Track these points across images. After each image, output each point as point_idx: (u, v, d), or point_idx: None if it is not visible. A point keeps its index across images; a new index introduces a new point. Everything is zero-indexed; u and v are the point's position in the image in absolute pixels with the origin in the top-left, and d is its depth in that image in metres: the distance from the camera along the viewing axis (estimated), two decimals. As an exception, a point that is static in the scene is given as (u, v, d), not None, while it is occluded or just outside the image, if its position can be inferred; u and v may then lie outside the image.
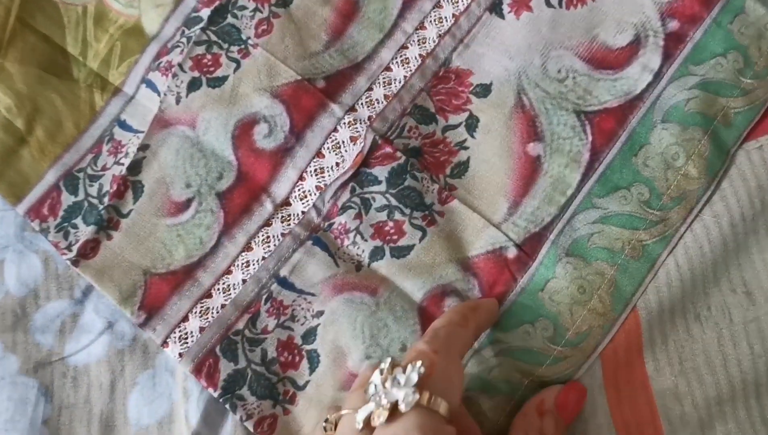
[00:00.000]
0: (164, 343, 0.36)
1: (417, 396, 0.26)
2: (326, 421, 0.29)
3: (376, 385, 0.27)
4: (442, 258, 0.36)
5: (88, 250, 0.38)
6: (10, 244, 0.40)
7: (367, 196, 0.37)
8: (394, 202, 0.37)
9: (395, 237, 0.37)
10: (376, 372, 0.28)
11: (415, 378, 0.27)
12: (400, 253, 0.36)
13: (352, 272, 0.36)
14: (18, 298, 0.39)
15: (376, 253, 0.36)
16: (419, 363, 0.27)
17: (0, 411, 0.37)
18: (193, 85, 0.39)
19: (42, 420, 0.37)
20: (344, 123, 0.39)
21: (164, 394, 0.37)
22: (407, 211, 0.37)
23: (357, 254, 0.37)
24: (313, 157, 0.38)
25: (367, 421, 0.26)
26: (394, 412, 0.26)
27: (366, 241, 0.37)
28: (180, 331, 0.36)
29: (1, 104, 0.41)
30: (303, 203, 0.38)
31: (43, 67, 0.42)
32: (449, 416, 0.26)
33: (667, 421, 0.33)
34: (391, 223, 0.37)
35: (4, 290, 0.39)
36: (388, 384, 0.27)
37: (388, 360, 0.28)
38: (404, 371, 0.27)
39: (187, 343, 0.36)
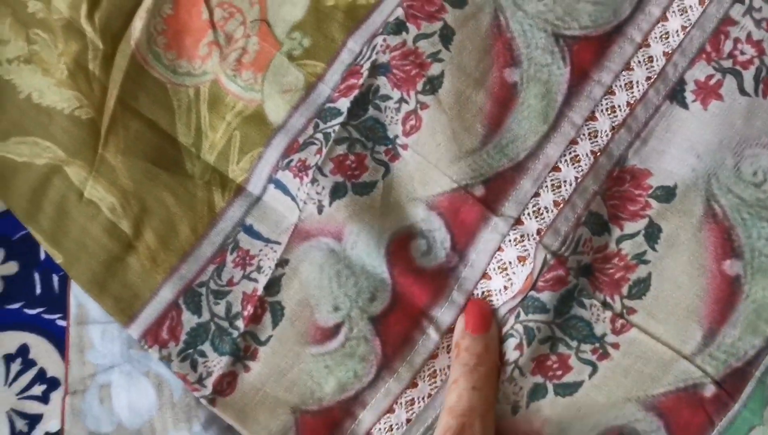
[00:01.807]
0: None
1: None
2: None
3: None
4: (619, 396, 0.32)
5: (225, 385, 0.34)
6: (116, 365, 0.35)
7: (531, 324, 0.33)
8: (558, 333, 0.33)
9: (559, 372, 0.33)
10: None
11: None
12: (566, 390, 0.32)
13: (507, 416, 0.32)
14: (133, 431, 0.35)
15: (537, 392, 0.33)
16: None
17: None
18: (337, 192, 0.34)
19: None
20: (510, 240, 0.34)
21: None
22: (573, 343, 0.33)
23: (514, 392, 0.33)
24: (480, 279, 0.34)
25: None
26: None
27: (525, 376, 0.33)
28: None
29: (103, 203, 0.36)
30: None
31: (151, 160, 0.36)
32: None
33: None
34: (554, 357, 0.33)
35: (116, 422, 0.35)
36: None
37: None
38: None
39: None
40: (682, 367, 0.32)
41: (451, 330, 0.34)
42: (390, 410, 0.34)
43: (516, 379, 0.33)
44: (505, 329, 0.33)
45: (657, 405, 0.32)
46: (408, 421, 0.33)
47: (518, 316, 0.33)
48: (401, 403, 0.34)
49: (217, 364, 0.34)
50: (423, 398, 0.33)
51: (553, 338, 0.33)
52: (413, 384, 0.34)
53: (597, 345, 0.33)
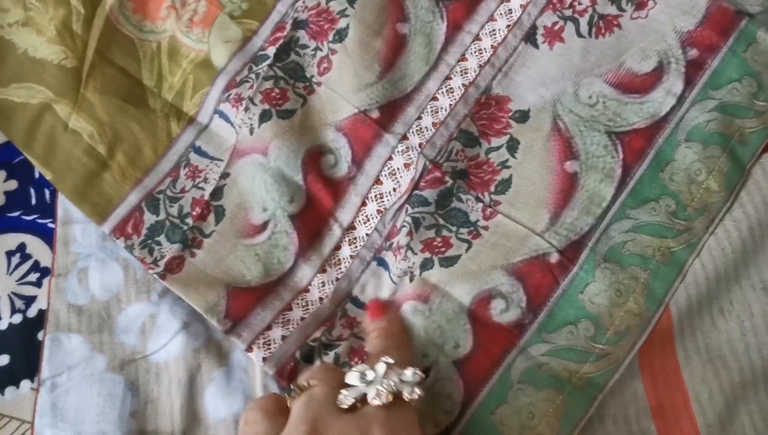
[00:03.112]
0: (249, 348, 0.40)
1: (421, 393, 0.33)
2: (293, 388, 0.34)
3: (376, 374, 0.33)
4: (488, 265, 0.40)
5: (174, 265, 0.42)
6: (93, 253, 0.44)
7: (417, 215, 0.41)
8: (441, 221, 0.41)
9: (443, 249, 0.41)
10: (378, 366, 0.33)
11: (417, 379, 0.33)
12: (448, 262, 0.40)
13: (406, 284, 0.40)
14: (103, 302, 0.43)
15: (426, 264, 0.40)
16: (418, 371, 0.33)
17: (91, 405, 0.40)
18: (264, 117, 0.43)
19: (129, 412, 0.40)
20: (398, 151, 0.43)
21: (238, 389, 0.41)
22: (453, 228, 0.41)
23: (409, 266, 0.40)
24: (373, 184, 0.43)
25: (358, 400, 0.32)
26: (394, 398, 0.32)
27: (416, 254, 0.40)
28: (264, 338, 0.40)
29: (84, 132, 0.45)
30: (366, 227, 0.42)
31: (122, 97, 0.46)
32: None
33: (697, 403, 0.37)
34: (439, 239, 0.41)
35: (90, 296, 0.43)
36: (393, 377, 0.32)
37: (391, 360, 0.33)
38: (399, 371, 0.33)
39: (270, 349, 0.40)
40: (534, 241, 0.40)
41: (351, 227, 0.42)
42: (305, 290, 0.41)
43: (410, 257, 0.40)
44: (398, 223, 0.42)
45: (516, 271, 0.40)
46: (321, 299, 0.41)
47: (407, 211, 0.41)
48: (314, 284, 0.41)
49: (169, 250, 0.42)
50: (332, 281, 0.41)
51: (437, 225, 0.41)
52: (323, 269, 0.42)
53: (472, 228, 0.41)
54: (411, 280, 0.40)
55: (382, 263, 0.42)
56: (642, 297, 0.39)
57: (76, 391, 0.41)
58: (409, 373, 0.33)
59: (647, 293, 0.39)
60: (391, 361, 0.33)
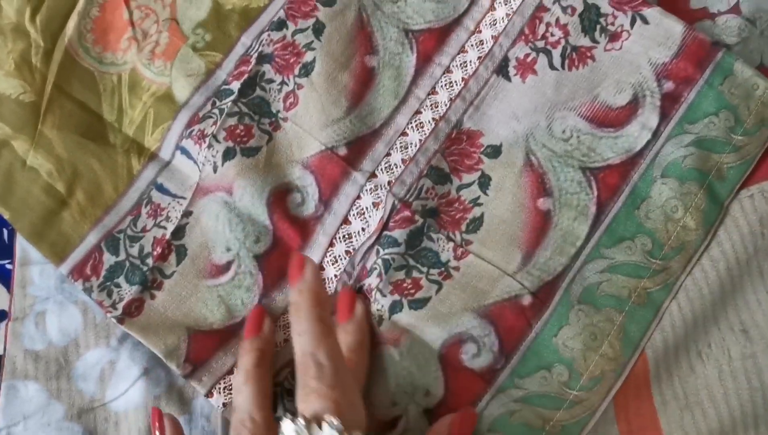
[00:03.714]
0: (209, 393, 0.39)
1: None
2: None
3: None
4: (458, 307, 0.38)
5: (133, 308, 0.40)
6: (51, 296, 0.42)
7: (387, 257, 0.39)
8: (411, 262, 0.39)
9: (412, 291, 0.39)
10: (287, 428, 0.29)
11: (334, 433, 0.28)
12: (418, 305, 0.39)
13: (374, 328, 0.39)
14: (60, 347, 0.41)
15: (395, 307, 0.39)
16: (332, 419, 0.28)
17: (48, 456, 0.39)
18: (228, 154, 0.42)
19: (88, 463, 0.39)
20: (366, 190, 0.41)
21: (200, 438, 0.40)
22: (424, 269, 0.39)
23: (378, 309, 0.39)
24: (341, 224, 0.41)
25: None
26: None
27: (385, 296, 0.39)
28: (224, 383, 0.39)
29: (42, 169, 0.44)
30: (335, 268, 0.41)
31: (81, 133, 0.44)
32: None
33: (675, 452, 0.36)
34: (408, 280, 0.39)
35: (47, 340, 0.42)
36: None
37: (301, 421, 0.29)
38: (319, 427, 0.28)
39: (231, 394, 0.39)
40: (506, 282, 0.39)
41: (319, 268, 0.41)
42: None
43: (378, 300, 0.39)
44: (369, 265, 0.40)
45: (488, 313, 0.38)
46: (285, 340, 0.40)
47: (378, 252, 0.40)
48: (279, 326, 0.40)
49: (128, 291, 0.41)
50: None
51: (407, 266, 0.39)
52: (287, 311, 0.40)
53: (442, 269, 0.39)
54: (380, 323, 0.39)
55: None
56: (617, 340, 0.37)
57: (32, 441, 0.39)
58: (323, 429, 0.28)
59: (622, 336, 0.37)
60: (301, 422, 0.29)
